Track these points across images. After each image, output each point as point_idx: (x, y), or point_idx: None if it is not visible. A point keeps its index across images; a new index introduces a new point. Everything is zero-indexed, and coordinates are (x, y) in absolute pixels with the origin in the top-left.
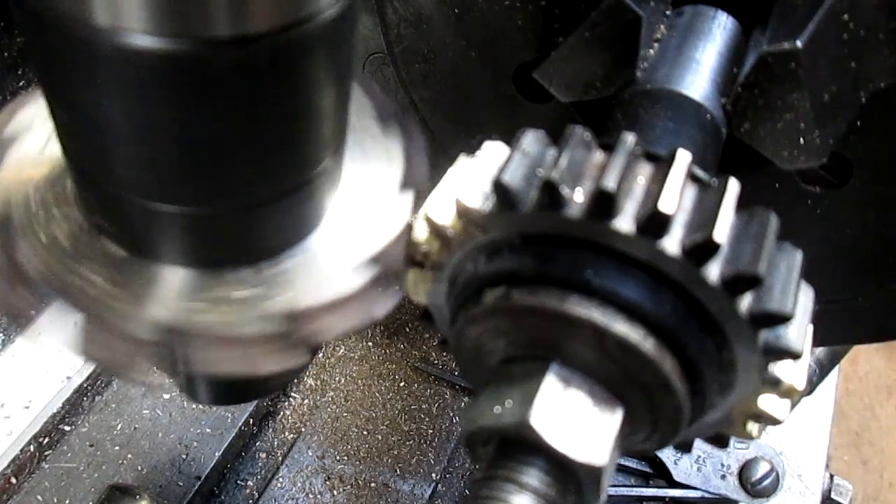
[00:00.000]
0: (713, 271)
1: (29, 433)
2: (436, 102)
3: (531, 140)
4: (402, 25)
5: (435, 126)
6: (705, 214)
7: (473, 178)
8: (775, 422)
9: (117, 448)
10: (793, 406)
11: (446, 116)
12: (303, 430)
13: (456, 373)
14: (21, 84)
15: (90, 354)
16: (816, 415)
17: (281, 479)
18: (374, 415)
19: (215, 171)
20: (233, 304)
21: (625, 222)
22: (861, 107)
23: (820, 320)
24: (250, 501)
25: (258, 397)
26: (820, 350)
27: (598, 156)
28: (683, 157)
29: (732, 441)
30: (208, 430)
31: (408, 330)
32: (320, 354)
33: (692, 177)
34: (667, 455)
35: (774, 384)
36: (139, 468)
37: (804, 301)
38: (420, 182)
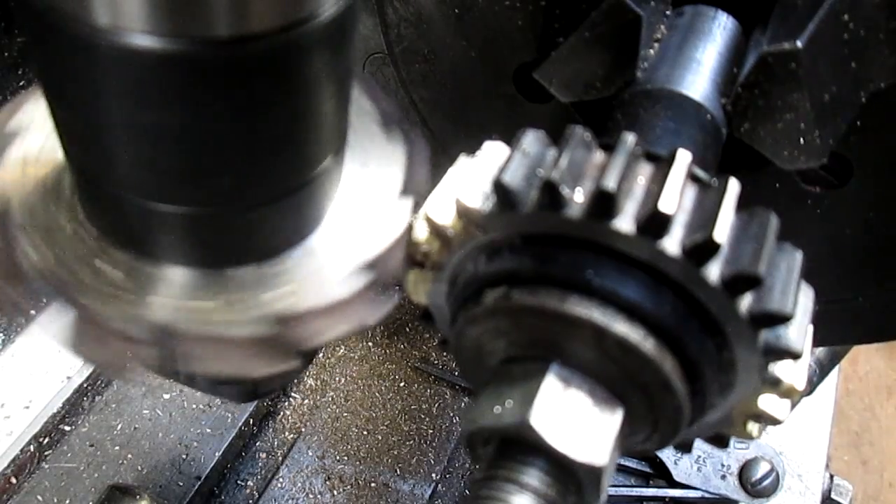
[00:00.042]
0: (713, 271)
1: (29, 433)
2: (436, 102)
3: (531, 140)
4: (402, 25)
5: (435, 126)
6: (705, 214)
7: (474, 178)
8: (775, 422)
9: (117, 448)
10: (793, 406)
11: (446, 116)
12: (303, 430)
13: (456, 373)
14: (21, 84)
15: (83, 353)
16: (816, 415)
17: (281, 480)
18: (374, 415)
19: (215, 171)
20: (228, 305)
21: (625, 222)
22: (861, 107)
23: (820, 320)
24: (250, 501)
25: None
26: (820, 350)
27: (599, 156)
28: (684, 158)
29: (732, 441)
30: (208, 430)
31: (408, 330)
32: (320, 355)
33: (692, 177)
34: (667, 455)
35: (774, 384)
36: (139, 468)
37: (804, 301)
38: (420, 189)
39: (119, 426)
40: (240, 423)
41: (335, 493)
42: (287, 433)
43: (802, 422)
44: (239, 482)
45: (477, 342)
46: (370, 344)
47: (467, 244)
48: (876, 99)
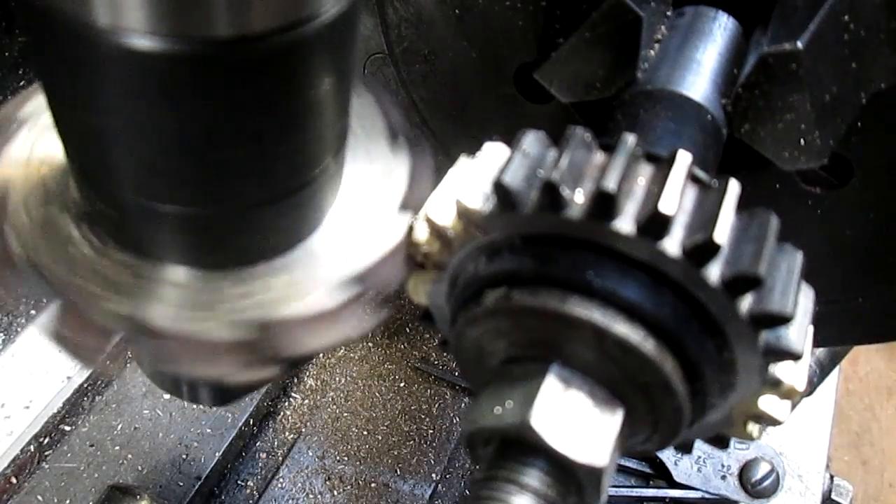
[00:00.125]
0: (713, 272)
1: (29, 433)
2: (436, 103)
3: (532, 141)
4: (402, 26)
5: (435, 126)
6: (706, 215)
7: (474, 179)
8: (776, 422)
9: (117, 448)
10: (793, 407)
11: (447, 117)
12: (303, 430)
13: (456, 373)
14: (22, 84)
15: (63, 343)
16: (817, 415)
17: (281, 480)
18: (374, 415)
19: (215, 172)
20: (218, 307)
21: (625, 223)
22: (862, 108)
23: (820, 321)
24: (250, 502)
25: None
26: (820, 351)
27: (599, 157)
28: (684, 158)
29: (733, 442)
30: (208, 431)
31: (408, 330)
32: (321, 355)
33: (693, 178)
34: (667, 456)
35: (775, 385)
36: (139, 468)
37: (804, 302)
38: (421, 204)
39: (119, 426)
40: (240, 424)
41: (335, 493)
42: (287, 433)
43: (803, 422)
44: (239, 482)
45: (477, 343)
46: (370, 344)
47: (468, 245)
48: (876, 99)
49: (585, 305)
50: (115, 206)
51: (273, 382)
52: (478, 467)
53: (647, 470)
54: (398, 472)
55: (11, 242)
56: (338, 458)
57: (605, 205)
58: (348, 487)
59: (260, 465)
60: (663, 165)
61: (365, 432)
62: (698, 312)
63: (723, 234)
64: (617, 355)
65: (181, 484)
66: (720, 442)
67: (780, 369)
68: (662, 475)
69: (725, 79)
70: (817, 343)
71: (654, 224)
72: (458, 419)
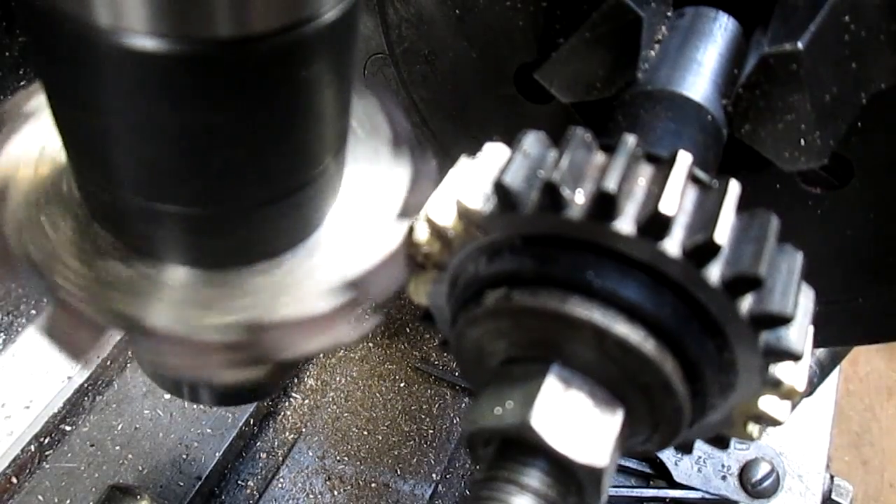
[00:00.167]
0: (714, 272)
1: (30, 433)
2: (437, 103)
3: (532, 141)
4: (403, 26)
5: (436, 127)
6: (706, 216)
7: (474, 180)
8: (776, 423)
9: (118, 448)
10: (793, 407)
11: (447, 117)
12: (303, 430)
13: (456, 373)
14: (23, 84)
15: (56, 339)
16: (817, 416)
17: (281, 480)
18: (374, 415)
19: (215, 172)
20: (210, 307)
21: (625, 224)
22: (862, 108)
23: (821, 321)
24: (251, 502)
25: (257, 399)
26: (820, 351)
27: (599, 157)
28: (684, 159)
29: (733, 442)
30: (209, 431)
31: (408, 330)
32: (321, 355)
33: (693, 178)
34: (667, 456)
35: (775, 385)
36: (140, 468)
37: (805, 302)
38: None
39: (120, 426)
40: (240, 424)
41: (335, 493)
42: (287, 433)
43: (803, 422)
44: (239, 482)
45: (477, 343)
46: (371, 344)
47: (468, 245)
48: (877, 100)
49: (586, 306)
50: (114, 206)
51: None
52: (478, 468)
53: (648, 470)
54: (398, 473)
55: (9, 238)
56: (338, 458)
57: (605, 205)
58: (348, 487)
59: (260, 465)
60: (664, 166)
61: (365, 432)
62: (698, 313)
63: (723, 234)
64: (617, 356)
65: (181, 484)
66: (720, 442)
67: (781, 370)
68: (663, 475)
69: (726, 79)
70: (817, 343)
71: (655, 224)
72: (458, 419)
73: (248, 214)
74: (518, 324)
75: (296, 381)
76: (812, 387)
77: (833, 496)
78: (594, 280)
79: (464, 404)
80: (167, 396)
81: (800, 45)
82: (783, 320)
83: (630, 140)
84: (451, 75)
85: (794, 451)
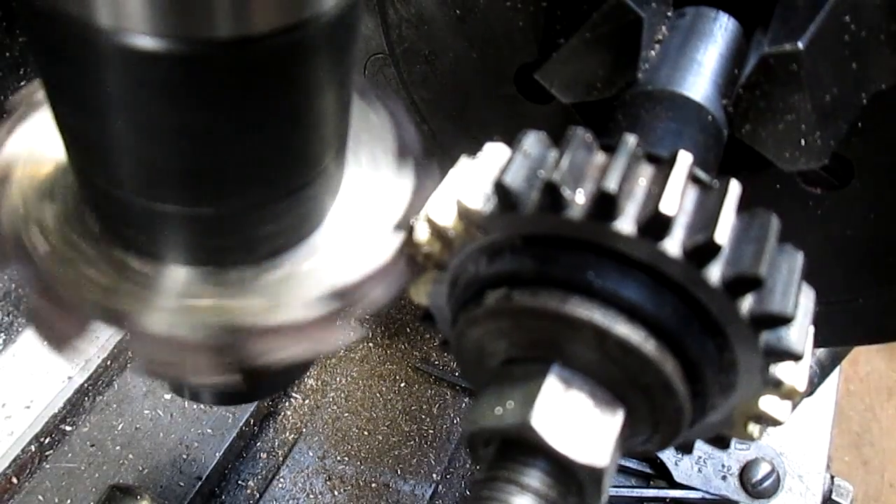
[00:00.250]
0: (714, 273)
1: (30, 433)
2: (437, 103)
3: (532, 141)
4: (403, 26)
5: (436, 127)
6: (706, 216)
7: (475, 180)
8: (776, 423)
9: (118, 448)
10: (794, 407)
11: (447, 117)
12: (303, 430)
13: (457, 373)
14: (23, 84)
15: (38, 325)
16: (817, 416)
17: (282, 480)
18: (374, 415)
19: (217, 172)
20: (198, 308)
21: (626, 224)
22: (862, 108)
23: (821, 321)
24: (251, 502)
25: (257, 399)
26: (821, 351)
27: (600, 157)
28: (685, 159)
29: (733, 442)
30: (209, 431)
31: (409, 330)
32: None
33: (693, 178)
34: (668, 456)
35: (775, 385)
36: (140, 468)
37: (805, 302)
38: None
39: (120, 426)
40: (240, 424)
41: (336, 493)
42: (288, 433)
43: (803, 423)
44: (240, 482)
45: (478, 343)
46: (371, 344)
47: (468, 245)
48: (877, 100)
49: (586, 306)
50: (115, 206)
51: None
52: (478, 468)
53: (648, 470)
54: (399, 473)
55: (2, 227)
56: (338, 458)
57: (605, 205)
58: (349, 488)
59: (260, 465)
60: (664, 166)
61: (365, 432)
62: (699, 313)
63: (723, 234)
64: (618, 356)
65: (182, 484)
66: (721, 442)
67: (781, 370)
68: (663, 475)
69: (726, 79)
70: (818, 343)
71: (655, 225)
72: (458, 419)
73: (248, 214)
74: (518, 324)
75: (296, 381)
76: (812, 387)
77: (833, 496)
78: (595, 280)
79: (464, 404)
80: (167, 396)
81: (800, 45)
82: (784, 320)
83: (630, 140)
84: (451, 75)
85: (795, 452)
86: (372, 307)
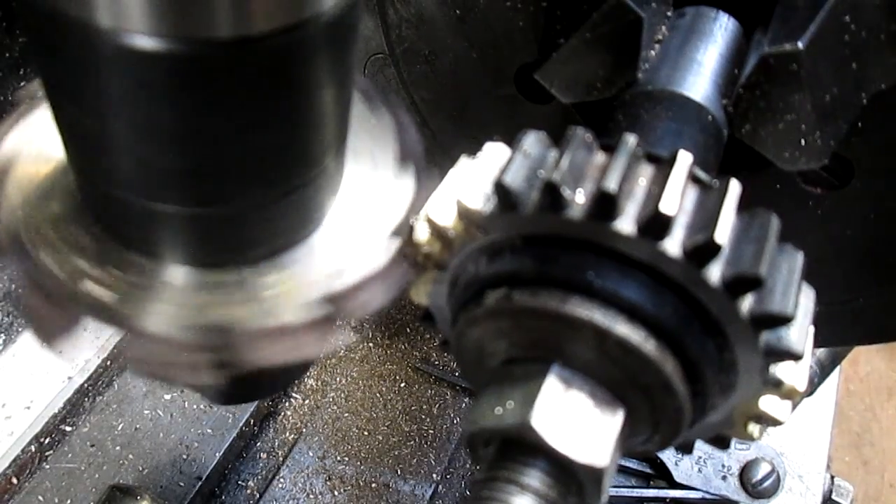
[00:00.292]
0: (714, 272)
1: (30, 433)
2: (437, 103)
3: (532, 141)
4: (403, 26)
5: (436, 127)
6: (706, 216)
7: (475, 180)
8: (776, 423)
9: (118, 448)
10: (794, 407)
11: (447, 117)
12: (304, 430)
13: (457, 373)
14: (23, 84)
15: (27, 314)
16: (817, 416)
17: (282, 480)
18: (374, 415)
19: (217, 172)
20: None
21: (626, 224)
22: (862, 108)
23: (821, 321)
24: (251, 502)
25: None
26: (821, 351)
27: (600, 157)
28: (685, 159)
29: (733, 442)
30: (209, 431)
31: (408, 331)
32: (321, 355)
33: (693, 178)
34: (668, 456)
35: (776, 385)
36: (140, 468)
37: (805, 302)
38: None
39: (120, 426)
40: (241, 424)
41: (336, 493)
42: (288, 433)
43: (803, 423)
44: (240, 482)
45: (478, 343)
46: (371, 344)
47: (468, 245)
48: (877, 100)
49: (586, 306)
50: (115, 206)
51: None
52: (479, 468)
53: (648, 470)
54: (399, 473)
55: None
56: (338, 458)
57: (605, 205)
58: (349, 488)
59: (260, 465)
60: (664, 166)
61: (365, 433)
62: (699, 313)
63: (723, 234)
64: (618, 356)
65: (182, 484)
66: (721, 442)
67: (781, 370)
68: (663, 475)
69: (726, 79)
70: (818, 343)
71: (655, 224)
72: (458, 419)
73: (247, 214)
74: (518, 324)
75: (296, 381)
76: (812, 387)
77: (833, 496)
78: (595, 280)
79: (464, 404)
80: (167, 397)
81: (800, 45)
82: (784, 320)
83: (630, 140)
84: (451, 75)
85: (795, 452)
86: (365, 313)
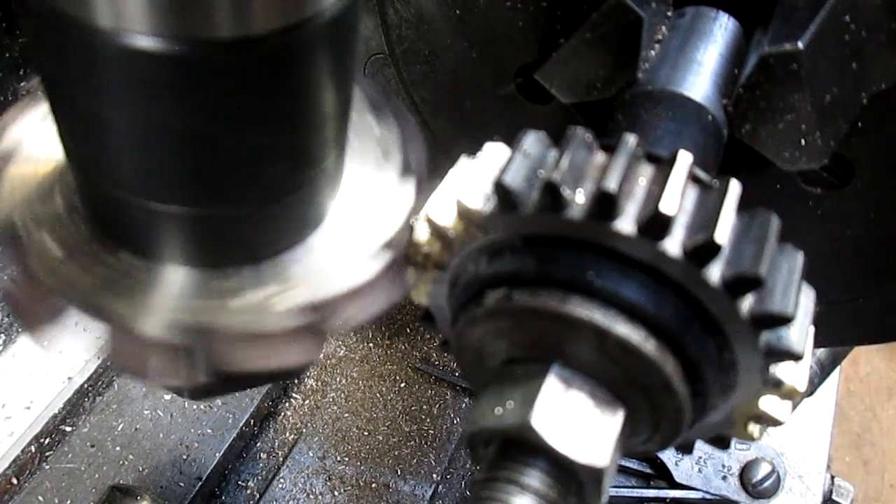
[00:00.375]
0: (714, 272)
1: (30, 434)
2: (437, 103)
3: (532, 141)
4: (403, 26)
5: (436, 127)
6: (706, 216)
7: (475, 179)
8: (777, 423)
9: (118, 449)
10: (794, 407)
11: (447, 117)
12: (304, 430)
13: (457, 373)
14: (23, 84)
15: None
16: (817, 416)
17: (282, 480)
18: (374, 416)
19: (216, 172)
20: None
21: (626, 223)
22: (862, 108)
23: (821, 321)
24: (251, 502)
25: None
26: (821, 351)
27: (600, 157)
28: (685, 159)
29: (733, 442)
30: (209, 431)
31: (408, 331)
32: (321, 355)
33: (693, 178)
34: (668, 456)
35: (776, 385)
36: (140, 469)
37: (805, 302)
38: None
39: (120, 427)
40: (241, 424)
41: (336, 493)
42: (288, 434)
43: (803, 423)
44: (240, 483)
45: (478, 343)
46: (371, 345)
47: (468, 245)
48: (877, 100)
49: (586, 306)
50: (115, 206)
51: (273, 383)
52: (479, 468)
53: (648, 470)
54: (399, 473)
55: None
56: (338, 458)
57: (605, 205)
58: (349, 488)
59: (261, 465)
60: (664, 166)
61: (365, 433)
62: (699, 313)
63: (724, 234)
64: (618, 356)
65: (182, 484)
66: (721, 442)
67: (781, 370)
68: (663, 476)
69: (726, 79)
70: (818, 343)
71: (655, 224)
72: (458, 420)
73: (246, 215)
74: (518, 324)
75: (296, 381)
76: (813, 387)
77: (834, 496)
78: (595, 280)
79: (464, 404)
80: (167, 397)
81: (800, 44)
82: (784, 320)
83: (630, 140)
84: (451, 75)
85: (795, 452)
86: (347, 325)
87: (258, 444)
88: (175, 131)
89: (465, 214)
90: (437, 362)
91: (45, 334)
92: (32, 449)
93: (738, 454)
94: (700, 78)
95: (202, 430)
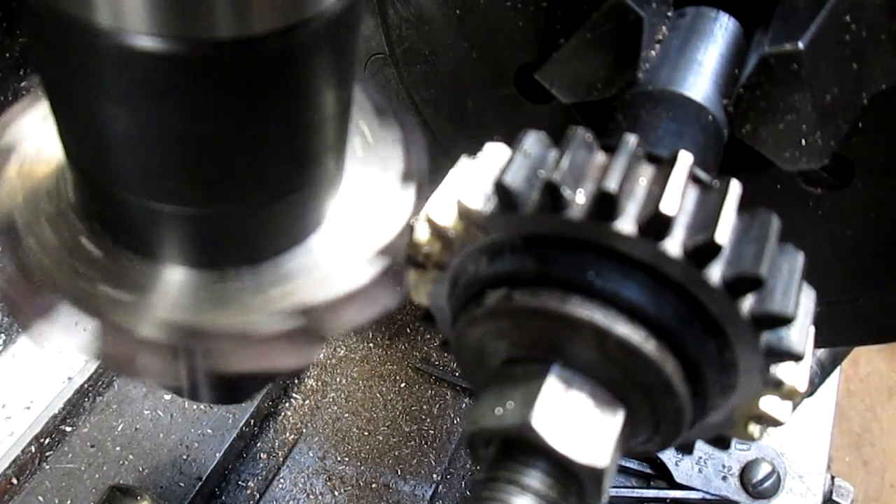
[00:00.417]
0: (715, 273)
1: (30, 434)
2: (437, 103)
3: (532, 141)
4: (403, 26)
5: (436, 127)
6: (707, 216)
7: (475, 180)
8: (777, 423)
9: (118, 449)
10: (794, 407)
11: (448, 117)
12: (304, 430)
13: (457, 374)
14: (23, 84)
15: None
16: (818, 416)
17: (282, 480)
18: (374, 416)
19: (216, 172)
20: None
21: (626, 224)
22: (863, 108)
23: (821, 322)
24: (251, 502)
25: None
26: (821, 351)
27: (600, 157)
28: (685, 159)
29: (734, 442)
30: (209, 431)
31: (409, 331)
32: (321, 355)
33: (694, 178)
34: (668, 456)
35: (776, 386)
36: (140, 469)
37: (806, 302)
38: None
39: (120, 427)
40: (241, 424)
41: (336, 493)
42: (288, 434)
43: (803, 423)
44: (240, 483)
45: (478, 343)
46: (371, 345)
47: (468, 245)
48: (877, 100)
49: (586, 306)
50: (115, 207)
51: (273, 383)
52: (479, 468)
53: (648, 471)
54: (399, 473)
55: (30, 263)
56: (339, 458)
57: (606, 205)
58: (349, 488)
59: (261, 465)
60: (664, 166)
61: (366, 433)
62: (699, 313)
63: (724, 234)
64: (618, 356)
65: (182, 484)
66: (721, 443)
67: (782, 370)
68: (663, 476)
69: (726, 79)
70: (818, 344)
71: (656, 224)
72: (458, 420)
73: (246, 215)
74: (519, 324)
75: (296, 381)
76: (813, 387)
77: (834, 497)
78: (595, 280)
79: (464, 404)
80: (167, 397)
81: (800, 45)
82: (784, 320)
83: (631, 140)
84: (451, 75)
85: (795, 452)
86: (337, 331)
87: (258, 444)
88: (175, 131)
89: (465, 214)
90: (437, 362)
91: (38, 330)
92: (32, 449)
93: (738, 454)
94: (700, 78)
95: (202, 430)
